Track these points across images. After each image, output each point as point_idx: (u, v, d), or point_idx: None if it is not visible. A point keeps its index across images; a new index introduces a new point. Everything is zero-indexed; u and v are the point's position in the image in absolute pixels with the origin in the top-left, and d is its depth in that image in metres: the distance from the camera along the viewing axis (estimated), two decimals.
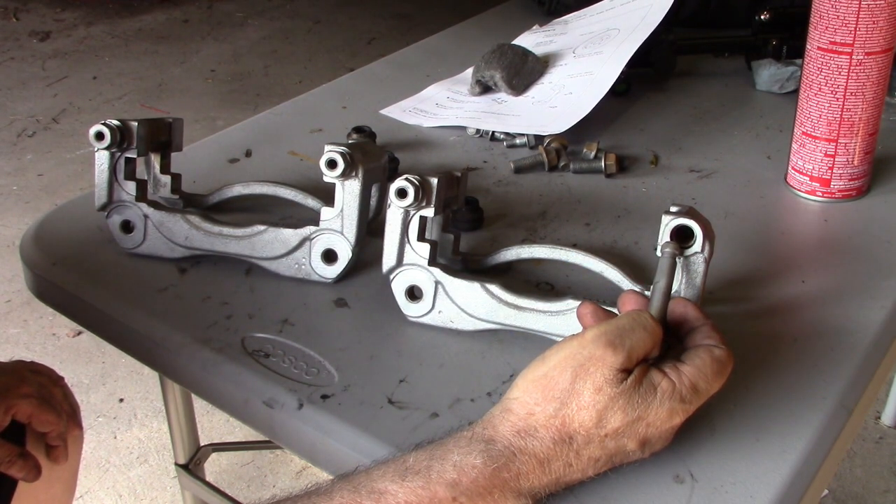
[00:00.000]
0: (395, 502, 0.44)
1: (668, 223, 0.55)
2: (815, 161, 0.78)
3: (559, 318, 0.59)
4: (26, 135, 2.85)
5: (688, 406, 0.48)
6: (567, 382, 0.46)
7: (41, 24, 3.85)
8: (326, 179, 0.65)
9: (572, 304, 0.59)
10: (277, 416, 0.57)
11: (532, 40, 1.12)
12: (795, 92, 0.85)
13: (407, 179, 0.59)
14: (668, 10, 0.95)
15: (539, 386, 0.47)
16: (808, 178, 0.79)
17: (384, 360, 0.60)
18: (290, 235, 0.68)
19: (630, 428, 0.47)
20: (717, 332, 0.51)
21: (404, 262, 0.62)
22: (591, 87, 0.92)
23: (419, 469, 0.45)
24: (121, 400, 1.71)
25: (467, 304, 0.61)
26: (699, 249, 0.55)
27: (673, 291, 0.55)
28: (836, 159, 0.77)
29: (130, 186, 0.71)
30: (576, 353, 0.47)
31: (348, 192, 0.66)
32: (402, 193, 0.59)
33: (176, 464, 1.12)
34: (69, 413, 0.79)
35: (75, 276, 0.71)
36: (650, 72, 1.05)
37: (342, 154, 0.64)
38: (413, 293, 0.63)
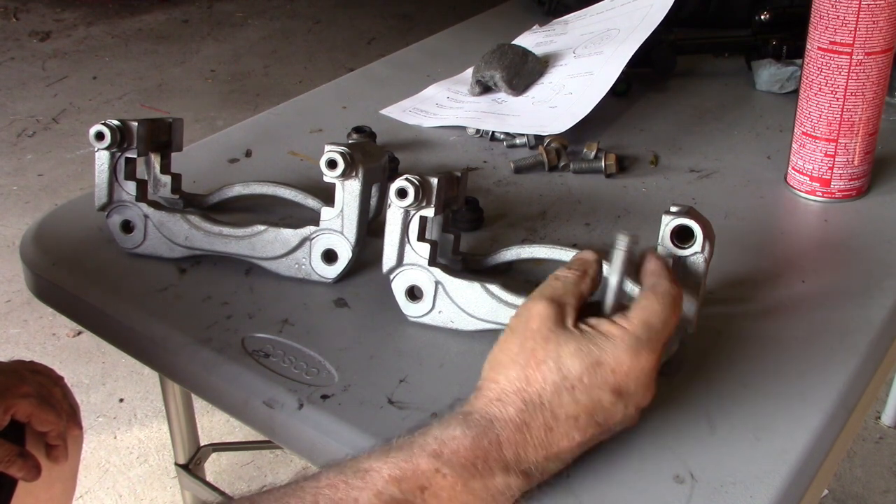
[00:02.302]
0: (379, 477, 0.44)
1: (668, 223, 0.55)
2: (815, 161, 0.78)
3: None
4: (26, 135, 2.85)
5: (649, 343, 0.48)
6: (518, 346, 0.49)
7: (41, 24, 3.85)
8: (326, 179, 0.65)
9: None
10: (277, 416, 0.57)
11: (532, 40, 1.12)
12: (795, 92, 0.85)
13: (407, 179, 0.59)
14: (668, 9, 0.95)
15: (498, 361, 0.49)
16: (808, 178, 0.79)
17: (384, 360, 0.60)
18: (290, 235, 0.68)
19: (595, 375, 0.47)
20: (665, 268, 0.52)
21: (404, 262, 0.62)
22: (592, 87, 0.92)
23: (402, 445, 0.46)
24: (121, 400, 1.71)
25: (467, 304, 0.61)
26: (699, 249, 0.55)
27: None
28: (836, 159, 0.77)
29: (130, 186, 0.71)
30: (518, 319, 0.50)
31: (348, 192, 0.66)
32: (402, 193, 0.59)
33: (176, 464, 1.12)
34: (69, 413, 0.79)
35: (75, 276, 0.71)
36: (650, 72, 1.05)
37: (342, 154, 0.64)
38: (413, 293, 0.63)
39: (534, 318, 0.49)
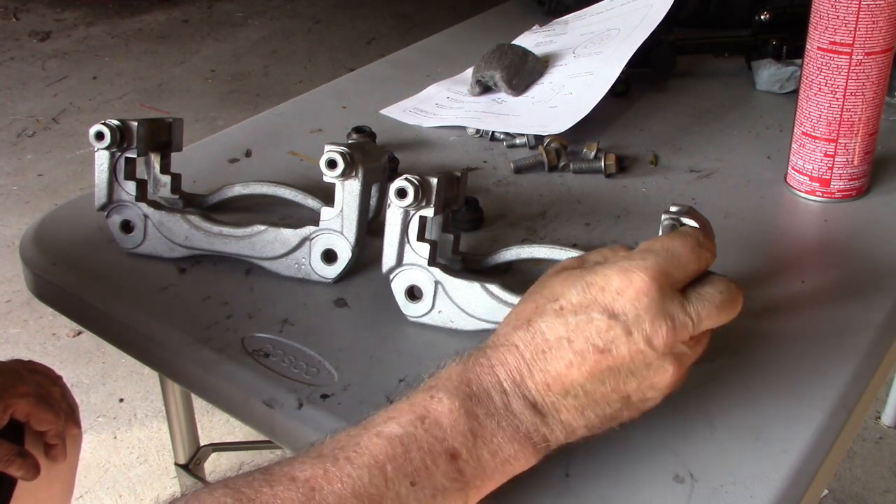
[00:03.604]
0: (378, 419, 0.44)
1: (667, 223, 0.55)
2: (814, 161, 0.78)
3: None
4: (26, 135, 2.85)
5: (647, 268, 0.45)
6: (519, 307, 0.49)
7: (41, 24, 3.85)
8: (326, 179, 0.65)
9: None
10: (277, 415, 0.57)
11: (532, 40, 1.12)
12: (795, 92, 0.85)
13: (407, 179, 0.59)
14: (668, 9, 0.95)
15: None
16: (807, 178, 0.79)
17: (384, 360, 0.60)
18: (290, 235, 0.68)
19: (584, 295, 0.45)
20: (700, 227, 0.51)
21: (404, 262, 0.62)
22: (591, 87, 0.92)
23: (400, 397, 0.46)
24: (121, 400, 1.72)
25: (467, 304, 0.61)
26: None
27: None
28: (836, 159, 0.77)
29: (130, 186, 0.71)
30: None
31: (348, 192, 0.66)
32: (402, 193, 0.59)
33: (176, 464, 1.12)
34: (67, 412, 0.80)
35: (75, 276, 0.71)
36: (650, 72, 1.05)
37: (342, 154, 0.64)
38: (413, 293, 0.63)
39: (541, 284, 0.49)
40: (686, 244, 0.47)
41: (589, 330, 0.45)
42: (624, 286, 0.45)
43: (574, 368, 0.45)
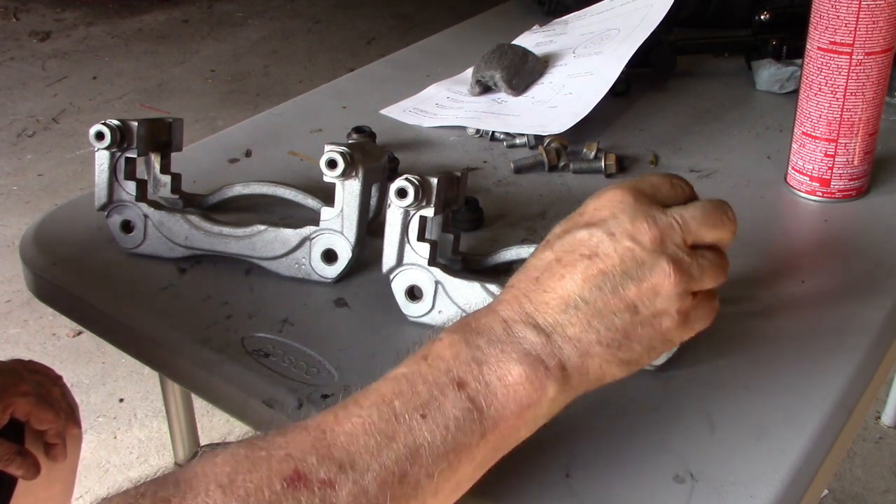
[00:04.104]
0: (387, 371, 0.44)
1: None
2: (815, 161, 0.78)
3: None
4: (26, 135, 2.85)
5: (624, 186, 0.48)
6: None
7: (41, 24, 3.85)
8: (326, 179, 0.65)
9: None
10: (277, 415, 0.57)
11: (532, 40, 1.12)
12: (795, 92, 0.85)
13: (407, 179, 0.59)
14: (668, 9, 0.95)
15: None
16: (808, 178, 0.79)
17: (384, 360, 0.60)
18: (290, 235, 0.68)
19: (570, 220, 0.48)
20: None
21: (404, 262, 0.62)
22: (591, 87, 0.92)
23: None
24: (121, 400, 1.72)
25: (467, 304, 0.61)
26: None
27: None
28: (836, 159, 0.77)
29: (130, 186, 0.71)
30: None
31: (348, 192, 0.66)
32: (402, 193, 0.59)
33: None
34: (67, 412, 0.80)
35: (75, 276, 0.71)
36: (650, 72, 1.05)
37: (342, 154, 0.64)
38: (413, 293, 0.63)
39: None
40: (654, 175, 0.50)
41: (573, 243, 0.46)
42: (598, 203, 0.48)
43: (567, 280, 0.45)
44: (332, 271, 0.67)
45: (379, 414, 0.41)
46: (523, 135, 0.91)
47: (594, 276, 0.45)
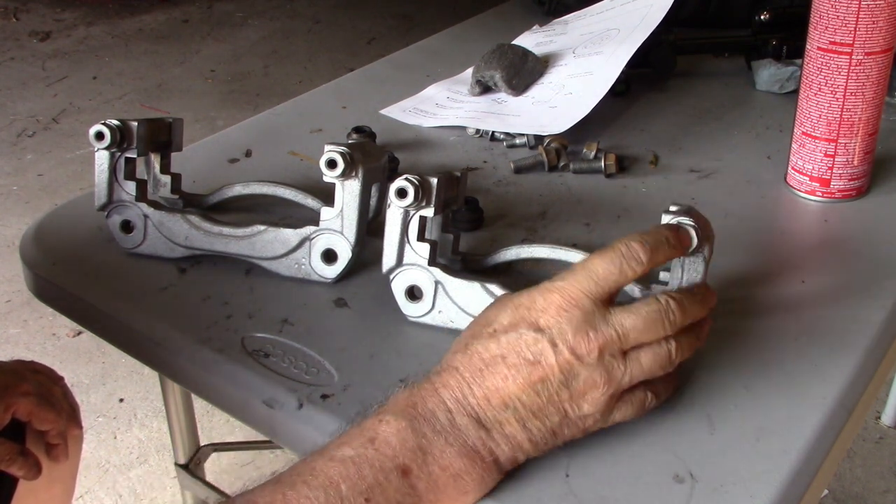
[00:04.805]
0: (331, 445, 0.46)
1: (667, 223, 0.55)
2: (814, 161, 0.78)
3: None
4: (26, 135, 2.85)
5: (563, 284, 0.49)
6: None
7: (41, 24, 3.86)
8: (326, 179, 0.65)
9: None
10: (277, 415, 0.57)
11: (532, 40, 1.12)
12: (795, 92, 0.85)
13: (407, 179, 0.59)
14: (668, 10, 0.95)
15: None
16: (807, 178, 0.79)
17: (384, 360, 0.60)
18: (290, 235, 0.68)
19: (514, 315, 0.49)
20: (653, 233, 0.52)
21: (404, 262, 0.62)
22: (591, 87, 0.92)
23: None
24: (121, 400, 1.72)
25: (467, 304, 0.61)
26: (699, 249, 0.55)
27: (673, 289, 0.55)
28: (836, 159, 0.77)
29: (130, 186, 0.71)
30: None
31: (348, 192, 0.66)
32: (402, 193, 0.59)
33: (176, 464, 1.12)
34: (69, 412, 0.80)
35: (75, 276, 0.71)
36: (650, 72, 1.05)
37: (342, 154, 0.64)
38: (413, 293, 0.63)
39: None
40: (604, 260, 0.50)
41: (519, 345, 0.48)
42: (547, 304, 0.49)
43: (510, 381, 0.48)
44: (332, 271, 0.68)
45: (326, 497, 0.44)
46: (523, 135, 0.91)
47: (535, 382, 0.48)
